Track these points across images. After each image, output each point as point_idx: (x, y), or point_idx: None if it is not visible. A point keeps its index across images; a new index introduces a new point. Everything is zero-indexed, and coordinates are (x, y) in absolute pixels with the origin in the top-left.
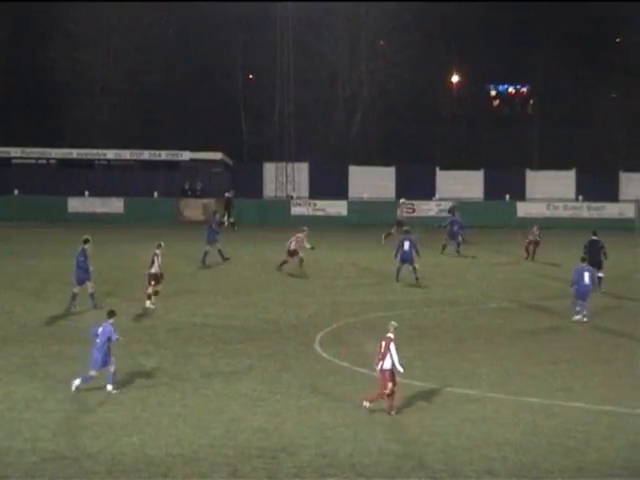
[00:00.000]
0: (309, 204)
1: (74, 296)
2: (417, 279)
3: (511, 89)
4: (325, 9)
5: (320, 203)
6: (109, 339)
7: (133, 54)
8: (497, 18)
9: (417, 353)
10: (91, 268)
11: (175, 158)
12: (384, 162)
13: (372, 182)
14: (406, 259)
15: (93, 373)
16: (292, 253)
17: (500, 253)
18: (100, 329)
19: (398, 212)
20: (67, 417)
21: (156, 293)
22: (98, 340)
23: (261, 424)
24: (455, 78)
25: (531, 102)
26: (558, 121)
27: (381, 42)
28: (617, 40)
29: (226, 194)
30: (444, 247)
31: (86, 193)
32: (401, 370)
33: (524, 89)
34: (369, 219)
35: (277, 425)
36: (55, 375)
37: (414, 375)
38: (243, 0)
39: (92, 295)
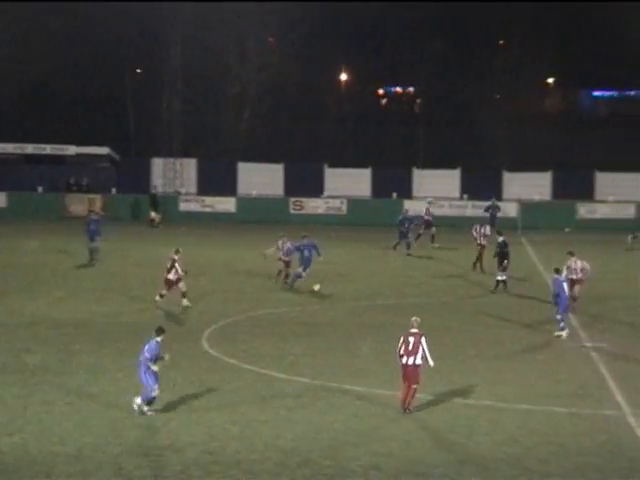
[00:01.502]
0: (198, 200)
1: None
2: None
3: (398, 88)
4: (214, 5)
5: (209, 199)
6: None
7: (17, 44)
8: (384, 18)
9: (305, 350)
10: None
11: (60, 152)
12: (273, 159)
13: (261, 179)
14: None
15: (155, 394)
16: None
17: (387, 250)
18: (146, 347)
19: (425, 212)
20: None
21: (162, 296)
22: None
23: (147, 422)
24: (343, 76)
25: (417, 102)
26: (444, 121)
27: (270, 39)
28: (500, 42)
29: (151, 190)
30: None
31: None
32: (432, 364)
33: (411, 89)
34: (258, 216)
35: (164, 422)
36: None
37: (302, 372)
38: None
39: None
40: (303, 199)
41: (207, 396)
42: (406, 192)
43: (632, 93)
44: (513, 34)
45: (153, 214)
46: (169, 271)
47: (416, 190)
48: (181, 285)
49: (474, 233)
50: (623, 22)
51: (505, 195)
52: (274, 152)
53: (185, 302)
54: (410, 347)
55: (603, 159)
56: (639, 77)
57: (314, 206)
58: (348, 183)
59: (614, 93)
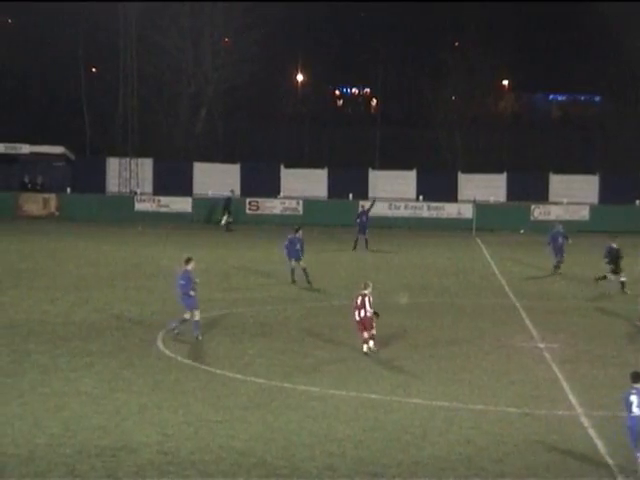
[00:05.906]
0: (153, 200)
1: None
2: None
3: (354, 89)
4: (170, 4)
5: (164, 199)
6: None
7: None
8: (340, 20)
9: (260, 350)
10: None
11: (14, 151)
12: (229, 159)
13: (217, 179)
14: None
15: None
16: None
17: (343, 251)
18: None
19: None
20: None
21: (372, 337)
22: None
23: (101, 422)
24: (300, 77)
25: (373, 103)
26: (400, 122)
27: (226, 39)
28: (456, 44)
29: (225, 193)
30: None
31: None
32: None
33: (367, 90)
34: (214, 216)
35: (117, 423)
36: None
37: (257, 372)
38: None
39: None
40: (259, 199)
41: (161, 396)
42: (362, 193)
43: (582, 98)
44: (468, 36)
45: (225, 218)
46: (360, 309)
47: (372, 191)
48: (373, 330)
49: None
50: (578, 29)
51: (460, 196)
52: (230, 152)
53: (366, 348)
54: None
55: (557, 161)
56: (590, 83)
57: (270, 206)
58: (304, 184)
59: (567, 97)
